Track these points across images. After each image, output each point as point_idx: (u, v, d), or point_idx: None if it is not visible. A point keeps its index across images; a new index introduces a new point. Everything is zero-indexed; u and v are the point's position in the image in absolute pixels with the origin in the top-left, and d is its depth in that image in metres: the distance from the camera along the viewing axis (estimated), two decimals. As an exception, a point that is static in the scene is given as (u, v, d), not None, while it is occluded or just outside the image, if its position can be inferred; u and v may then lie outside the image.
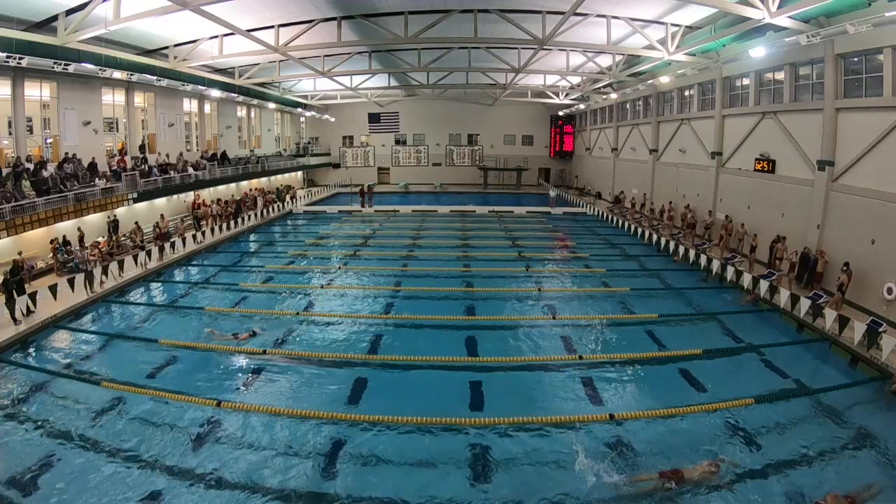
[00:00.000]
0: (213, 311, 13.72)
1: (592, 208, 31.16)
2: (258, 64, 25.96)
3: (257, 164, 33.39)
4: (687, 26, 18.23)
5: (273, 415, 8.61)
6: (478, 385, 9.78)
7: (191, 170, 25.64)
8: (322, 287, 16.07)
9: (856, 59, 13.85)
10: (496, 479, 7.19)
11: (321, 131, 46.61)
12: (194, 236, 21.42)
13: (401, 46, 23.37)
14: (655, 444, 7.91)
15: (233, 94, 28.14)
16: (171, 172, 24.11)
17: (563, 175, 45.68)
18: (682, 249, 19.15)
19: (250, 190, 31.98)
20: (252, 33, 18.00)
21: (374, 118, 45.54)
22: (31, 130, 18.79)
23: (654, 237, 21.95)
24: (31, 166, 17.32)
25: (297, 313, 13.61)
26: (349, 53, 24.22)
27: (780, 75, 17.22)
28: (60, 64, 16.25)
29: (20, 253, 15.44)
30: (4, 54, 14.68)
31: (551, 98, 36.75)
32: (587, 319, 13.38)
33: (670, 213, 24.04)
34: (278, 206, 30.86)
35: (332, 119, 43.93)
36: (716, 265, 16.58)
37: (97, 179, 19.39)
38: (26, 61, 15.14)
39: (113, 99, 22.46)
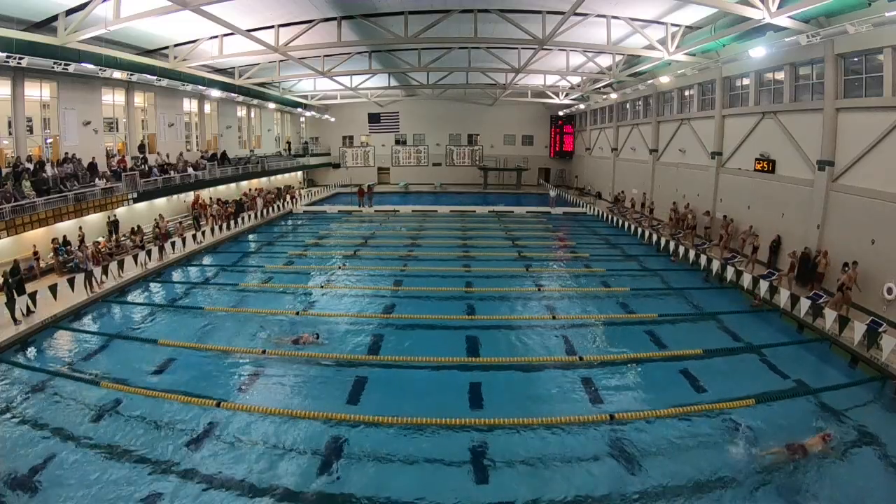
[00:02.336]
0: (213, 311, 13.74)
1: (592, 208, 31.16)
2: (258, 64, 25.95)
3: (257, 164, 33.40)
4: (687, 26, 18.22)
5: (273, 415, 8.61)
6: (477, 385, 9.77)
7: (191, 170, 25.64)
8: (322, 287, 16.07)
9: (856, 59, 13.85)
10: (496, 479, 7.19)
11: (321, 131, 46.59)
12: (194, 236, 21.42)
13: (401, 46, 23.37)
14: (656, 444, 7.90)
15: (233, 94, 28.14)
16: (171, 172, 24.11)
17: (563, 175, 45.67)
18: (682, 249, 19.14)
19: (250, 190, 31.99)
20: (252, 33, 18.00)
21: (374, 118, 45.54)
22: (31, 130, 18.79)
23: (654, 237, 21.95)
24: (31, 166, 17.32)
25: (297, 313, 13.61)
26: (349, 53, 24.22)
27: (780, 75, 17.22)
28: (60, 64, 16.24)
29: (34, 245, 15.96)
30: (4, 54, 14.69)
31: (551, 98, 36.75)
32: (587, 319, 13.39)
33: (672, 213, 24.03)
34: (278, 205, 30.87)
35: (332, 119, 43.93)
36: (716, 265, 16.57)
37: (97, 179, 19.39)
38: (26, 61, 15.14)
39: (113, 99, 22.46)
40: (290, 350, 11.27)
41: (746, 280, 14.85)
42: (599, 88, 30.88)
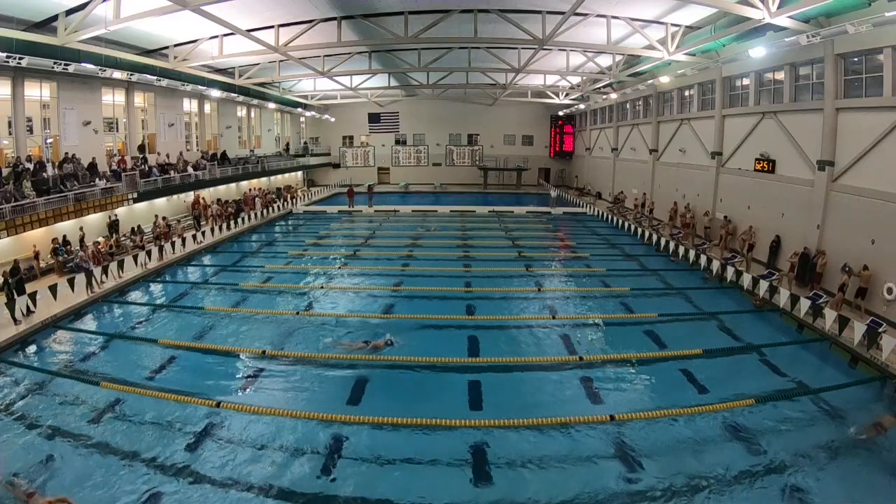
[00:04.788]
0: (213, 311, 13.74)
1: (592, 208, 31.17)
2: (258, 64, 25.94)
3: (257, 164, 33.40)
4: (687, 26, 18.22)
5: (273, 415, 8.61)
6: (477, 385, 9.77)
7: (191, 170, 25.64)
8: (322, 287, 16.07)
9: (856, 59, 13.85)
10: (496, 479, 7.19)
11: (321, 131, 46.60)
12: (194, 236, 21.42)
13: (401, 46, 23.36)
14: (656, 444, 7.90)
15: (233, 94, 28.13)
16: (171, 172, 24.11)
17: (563, 175, 45.67)
18: (682, 249, 19.14)
19: (250, 190, 31.98)
20: (252, 33, 17.98)
21: (374, 118, 45.53)
22: (31, 130, 18.78)
23: (655, 237, 21.95)
24: (31, 166, 17.32)
25: (297, 313, 13.61)
26: (349, 53, 24.21)
27: (780, 75, 17.22)
28: (60, 64, 16.23)
29: (35, 246, 16.05)
30: (4, 54, 14.68)
31: (551, 98, 36.74)
32: (587, 319, 13.38)
33: (672, 212, 24.03)
34: (278, 206, 30.88)
35: (332, 119, 43.92)
36: (716, 265, 16.57)
37: (97, 179, 19.39)
38: (26, 61, 15.13)
39: (113, 99, 22.45)
40: (290, 350, 11.26)
41: (747, 280, 14.84)
42: (599, 88, 30.88)
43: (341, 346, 11.38)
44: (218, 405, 8.82)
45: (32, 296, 12.72)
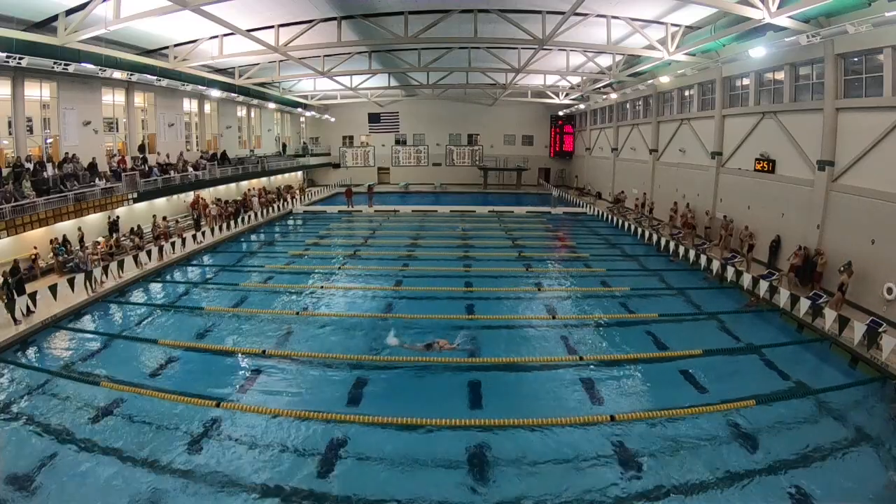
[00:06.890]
0: (214, 311, 13.74)
1: (592, 208, 31.17)
2: (258, 64, 25.94)
3: (257, 164, 33.39)
4: (687, 26, 18.23)
5: (273, 415, 8.61)
6: (477, 385, 9.77)
7: (191, 170, 25.64)
8: (321, 287, 16.06)
9: (856, 59, 13.85)
10: (496, 479, 7.18)
11: (321, 131, 46.61)
12: (194, 236, 21.41)
13: (401, 46, 23.36)
14: (656, 444, 7.89)
15: (233, 94, 28.14)
16: (171, 172, 24.11)
17: (563, 175, 45.69)
18: (682, 249, 19.14)
19: (249, 190, 31.98)
20: (252, 33, 17.98)
21: (374, 118, 45.54)
22: (31, 130, 18.77)
23: (655, 237, 21.94)
24: (30, 166, 17.32)
25: (297, 313, 13.61)
26: (349, 53, 24.21)
27: (780, 75, 17.22)
28: (60, 64, 16.24)
29: (35, 247, 16.09)
30: (4, 54, 14.68)
31: (551, 98, 36.75)
32: (587, 319, 13.38)
33: (672, 213, 24.02)
34: (278, 206, 30.88)
35: (332, 119, 43.93)
36: (716, 265, 16.57)
37: (97, 179, 19.39)
38: (26, 61, 15.13)
39: (113, 99, 22.44)
40: (290, 350, 11.27)
41: (747, 280, 14.84)
42: (599, 88, 30.89)
43: (403, 348, 11.18)
44: (218, 405, 8.82)
45: (32, 296, 12.72)
